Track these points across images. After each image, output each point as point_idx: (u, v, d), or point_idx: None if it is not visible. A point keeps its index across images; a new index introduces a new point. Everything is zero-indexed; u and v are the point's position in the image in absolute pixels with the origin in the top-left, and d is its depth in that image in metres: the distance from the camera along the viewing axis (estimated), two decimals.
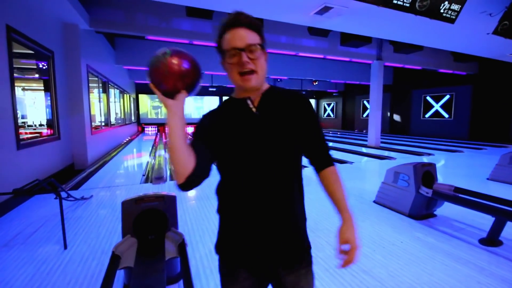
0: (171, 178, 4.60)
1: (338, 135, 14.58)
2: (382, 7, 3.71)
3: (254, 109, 0.85)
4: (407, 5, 3.81)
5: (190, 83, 0.77)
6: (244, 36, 0.79)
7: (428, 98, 12.89)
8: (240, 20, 0.80)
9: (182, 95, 0.75)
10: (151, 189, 4.04)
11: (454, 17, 4.19)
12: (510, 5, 4.24)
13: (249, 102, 0.85)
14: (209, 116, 0.88)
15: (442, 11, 4.06)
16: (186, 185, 0.76)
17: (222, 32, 0.82)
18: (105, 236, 2.47)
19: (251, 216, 0.83)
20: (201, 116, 0.89)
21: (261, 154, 0.81)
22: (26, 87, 9.25)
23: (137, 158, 7.52)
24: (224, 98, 1.68)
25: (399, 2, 3.75)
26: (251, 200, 0.83)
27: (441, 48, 7.24)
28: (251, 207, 0.83)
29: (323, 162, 0.91)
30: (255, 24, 0.82)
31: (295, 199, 0.86)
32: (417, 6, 3.86)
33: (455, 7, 4.08)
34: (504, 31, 4.62)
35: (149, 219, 1.70)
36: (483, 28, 5.25)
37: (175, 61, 0.73)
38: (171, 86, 0.74)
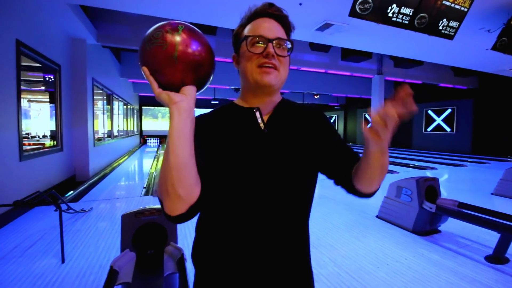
0: None
1: None
2: (382, 24, 3.79)
3: (262, 125, 0.67)
4: (406, 22, 3.90)
5: (203, 75, 0.57)
6: (274, 29, 0.65)
7: (430, 112, 12.93)
8: (272, 10, 0.66)
9: (191, 88, 0.56)
10: (151, 202, 4.01)
11: (452, 33, 4.27)
12: (508, 22, 4.32)
13: (257, 114, 0.68)
14: (203, 122, 0.68)
15: (440, 28, 4.14)
16: (185, 217, 0.57)
17: (246, 22, 0.68)
18: (104, 249, 2.43)
19: (247, 264, 0.64)
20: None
21: (267, 183, 0.63)
22: (31, 99, 9.42)
23: (138, 170, 7.52)
24: None
25: (398, 19, 3.83)
26: (249, 243, 0.63)
27: (441, 63, 7.34)
28: (248, 251, 0.63)
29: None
30: (287, 23, 0.69)
31: (304, 238, 0.69)
32: (415, 23, 3.95)
33: (454, 24, 4.16)
34: (503, 47, 4.69)
35: (148, 233, 1.68)
36: (482, 44, 5.34)
37: (189, 42, 0.53)
38: (178, 78, 0.54)
